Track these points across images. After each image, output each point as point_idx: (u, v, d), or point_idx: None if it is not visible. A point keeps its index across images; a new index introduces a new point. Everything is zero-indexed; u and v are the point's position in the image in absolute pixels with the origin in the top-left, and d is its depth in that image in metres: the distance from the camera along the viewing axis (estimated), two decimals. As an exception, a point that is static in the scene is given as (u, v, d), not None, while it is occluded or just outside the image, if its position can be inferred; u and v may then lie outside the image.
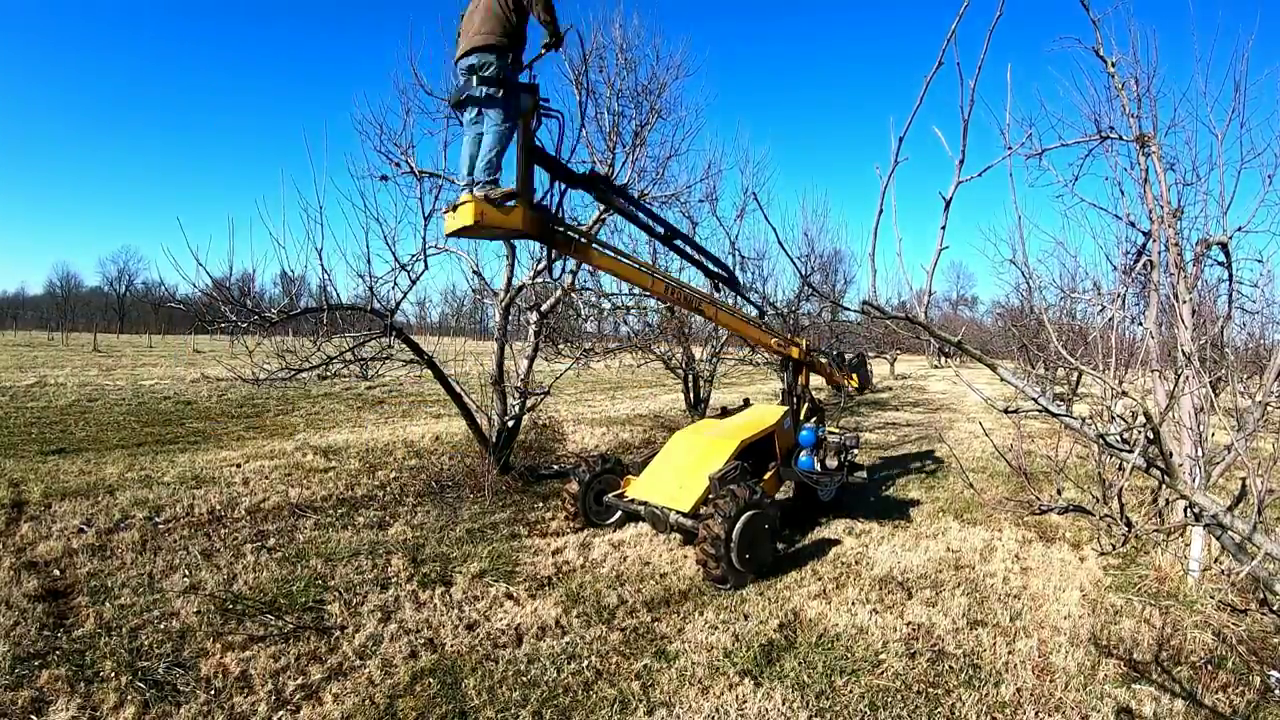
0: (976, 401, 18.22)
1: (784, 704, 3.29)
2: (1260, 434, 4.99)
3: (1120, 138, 5.12)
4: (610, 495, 5.97)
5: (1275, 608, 3.59)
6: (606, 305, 11.23)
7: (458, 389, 7.11)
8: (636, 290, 10.34)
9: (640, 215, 5.34)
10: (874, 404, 17.97)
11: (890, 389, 23.46)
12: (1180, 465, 4.43)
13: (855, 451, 6.54)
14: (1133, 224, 5.51)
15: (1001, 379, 1.99)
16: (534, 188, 4.46)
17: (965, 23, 1.72)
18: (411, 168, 7.03)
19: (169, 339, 49.92)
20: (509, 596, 4.48)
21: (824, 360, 7.21)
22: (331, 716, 3.12)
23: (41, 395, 13.57)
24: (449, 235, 4.54)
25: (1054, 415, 1.94)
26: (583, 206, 8.35)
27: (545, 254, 5.74)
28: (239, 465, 7.94)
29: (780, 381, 7.18)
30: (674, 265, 9.43)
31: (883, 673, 3.61)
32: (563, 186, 4.74)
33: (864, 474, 6.55)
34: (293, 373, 6.01)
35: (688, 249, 5.66)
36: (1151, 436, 1.81)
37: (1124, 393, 2.17)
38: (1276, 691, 3.49)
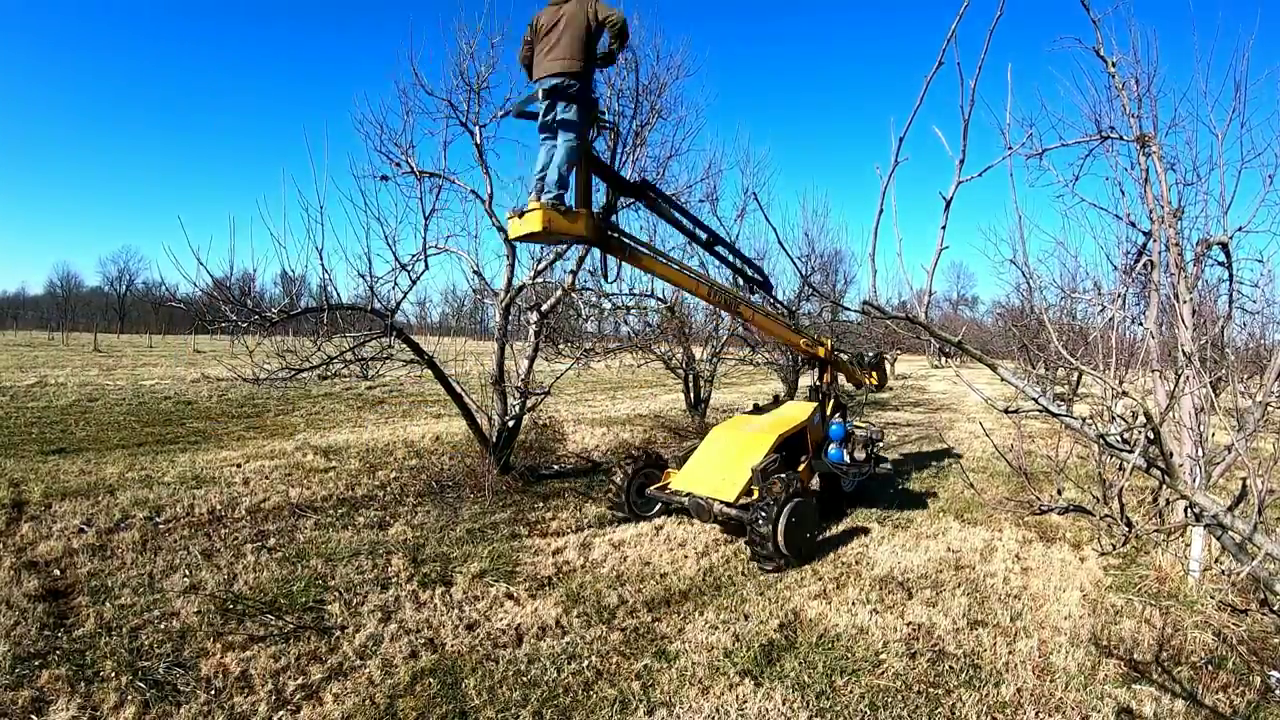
0: (977, 401, 18.23)
1: (784, 704, 3.29)
2: (1260, 434, 5.00)
3: (1121, 138, 5.12)
4: (652, 488, 6.18)
5: (1276, 608, 3.58)
6: (606, 305, 11.22)
7: (458, 389, 7.12)
8: (637, 290, 10.41)
9: (684, 221, 5.56)
10: (874, 404, 17.96)
11: (891, 389, 23.44)
12: (1180, 465, 4.43)
13: (880, 444, 6.91)
14: (1133, 224, 5.51)
15: (1002, 379, 1.99)
16: (592, 196, 4.83)
17: (965, 23, 1.72)
18: (412, 168, 7.03)
19: (169, 339, 49.86)
20: (509, 596, 4.48)
21: (845, 358, 7.67)
22: (332, 716, 3.12)
23: (42, 395, 13.56)
24: (514, 239, 4.91)
25: (1054, 415, 1.94)
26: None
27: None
28: (239, 465, 7.94)
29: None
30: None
31: (883, 673, 3.61)
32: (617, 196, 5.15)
33: (889, 465, 7.04)
34: (293, 373, 6.01)
35: (728, 255, 5.94)
36: (1152, 436, 1.81)
37: (1124, 393, 2.17)
38: (1277, 692, 3.49)
